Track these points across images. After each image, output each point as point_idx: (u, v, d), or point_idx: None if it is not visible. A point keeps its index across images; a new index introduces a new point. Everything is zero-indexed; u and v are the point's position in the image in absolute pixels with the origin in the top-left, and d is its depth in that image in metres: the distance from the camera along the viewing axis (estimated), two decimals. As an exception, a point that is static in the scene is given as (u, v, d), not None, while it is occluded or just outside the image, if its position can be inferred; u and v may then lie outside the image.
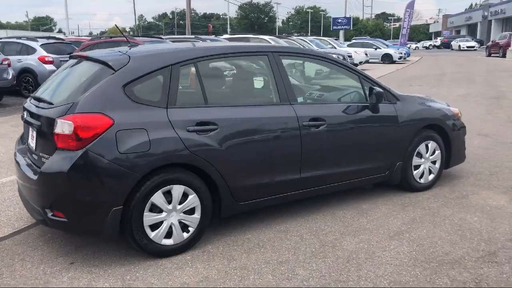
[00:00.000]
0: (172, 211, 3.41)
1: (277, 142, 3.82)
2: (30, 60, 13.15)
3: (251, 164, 3.70)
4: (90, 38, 17.21)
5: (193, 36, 17.20)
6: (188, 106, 3.50)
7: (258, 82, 4.17)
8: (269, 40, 16.77)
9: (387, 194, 4.81)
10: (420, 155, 4.81)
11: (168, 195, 3.38)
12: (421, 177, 4.88)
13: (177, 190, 3.40)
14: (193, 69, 3.66)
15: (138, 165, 3.19)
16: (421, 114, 4.74)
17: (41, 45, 13.38)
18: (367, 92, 4.36)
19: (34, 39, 14.12)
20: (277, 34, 40.71)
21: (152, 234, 3.35)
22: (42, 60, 13.04)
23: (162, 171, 3.34)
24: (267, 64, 3.92)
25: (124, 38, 5.39)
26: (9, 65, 11.85)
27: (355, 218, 4.19)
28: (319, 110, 4.08)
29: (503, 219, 4.12)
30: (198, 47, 3.81)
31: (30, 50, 13.40)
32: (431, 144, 4.85)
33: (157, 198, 3.32)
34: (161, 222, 3.39)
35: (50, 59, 13.07)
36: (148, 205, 3.29)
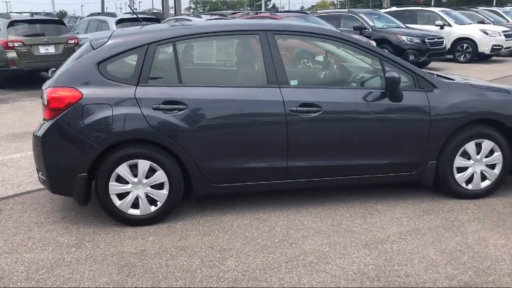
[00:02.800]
0: (138, 184, 3.59)
1: (256, 126, 3.65)
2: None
3: (224, 147, 3.62)
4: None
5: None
6: (159, 85, 3.59)
7: (246, 63, 3.97)
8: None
9: (420, 196, 4.13)
10: (467, 156, 3.98)
11: (134, 168, 3.57)
12: (469, 182, 4.04)
13: (143, 164, 3.56)
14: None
15: (100, 138, 3.45)
16: (469, 106, 3.88)
17: (116, 22, 12.95)
18: (388, 77, 3.77)
19: (113, 14, 14.22)
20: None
21: (118, 203, 3.60)
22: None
23: (129, 145, 3.53)
24: (258, 43, 3.72)
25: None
26: (76, 44, 11.44)
27: (350, 219, 3.75)
28: (315, 95, 3.71)
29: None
30: (180, 26, 3.83)
31: (105, 27, 13.24)
32: (486, 144, 3.96)
33: (122, 170, 3.54)
34: (128, 193, 3.61)
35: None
36: (114, 176, 3.54)
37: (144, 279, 2.94)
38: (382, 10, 16.66)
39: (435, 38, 12.75)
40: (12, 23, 11.05)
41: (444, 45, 13.10)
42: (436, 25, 14.73)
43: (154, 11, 27.16)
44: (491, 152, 3.99)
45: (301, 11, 15.25)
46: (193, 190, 3.72)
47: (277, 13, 11.97)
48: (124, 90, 3.51)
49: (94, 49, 3.61)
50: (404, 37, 12.44)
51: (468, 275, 2.92)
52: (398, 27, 13.58)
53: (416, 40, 12.43)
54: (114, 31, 4.00)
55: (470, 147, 3.94)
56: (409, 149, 3.88)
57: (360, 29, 13.10)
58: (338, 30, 4.09)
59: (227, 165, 3.66)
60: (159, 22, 11.42)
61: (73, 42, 11.45)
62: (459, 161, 3.97)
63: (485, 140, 3.95)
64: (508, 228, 3.53)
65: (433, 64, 13.70)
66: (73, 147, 3.48)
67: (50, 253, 3.28)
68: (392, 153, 3.87)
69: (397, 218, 3.75)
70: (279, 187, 3.85)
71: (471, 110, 3.88)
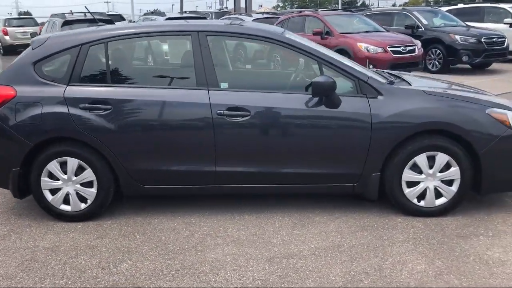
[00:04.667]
0: (68, 181, 3.68)
1: (183, 129, 3.59)
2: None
3: (150, 148, 3.60)
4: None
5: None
6: (88, 85, 3.65)
7: (177, 64, 3.89)
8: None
9: (369, 210, 3.84)
10: (418, 169, 3.62)
11: (64, 166, 3.67)
12: (422, 198, 3.68)
13: (72, 162, 3.65)
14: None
15: (30, 135, 3.58)
16: (417, 115, 3.52)
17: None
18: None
19: (162, 14, 14.69)
20: None
21: (50, 198, 3.72)
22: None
23: (59, 143, 3.63)
24: (190, 45, 3.66)
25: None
26: None
27: (277, 229, 3.58)
28: (245, 98, 3.57)
29: None
30: (113, 27, 3.86)
31: None
32: (440, 157, 3.57)
33: (52, 167, 3.65)
34: (59, 189, 3.72)
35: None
36: (45, 172, 3.66)
37: (33, 275, 3.01)
38: (445, 8, 15.61)
39: (495, 37, 11.70)
40: (66, 23, 11.85)
41: (506, 44, 11.97)
42: (505, 23, 13.54)
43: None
44: (448, 166, 3.60)
45: (347, 9, 14.68)
46: (122, 190, 3.74)
47: (319, 11, 11.69)
48: (54, 89, 3.61)
49: (33, 49, 3.74)
50: (457, 37, 11.56)
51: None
52: (456, 26, 12.65)
53: (471, 40, 11.49)
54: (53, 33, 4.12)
55: (420, 160, 3.58)
56: (348, 159, 3.60)
57: (412, 28, 12.39)
58: (286, 31, 3.86)
59: (154, 167, 3.63)
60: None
61: None
62: (408, 175, 3.62)
63: (439, 153, 3.56)
64: (441, 253, 3.16)
65: (495, 66, 12.64)
66: (7, 142, 3.64)
67: (-26, 242, 3.47)
68: (329, 162, 3.62)
69: (327, 232, 3.50)
70: (210, 191, 3.76)
71: (420, 119, 3.52)
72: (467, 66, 12.12)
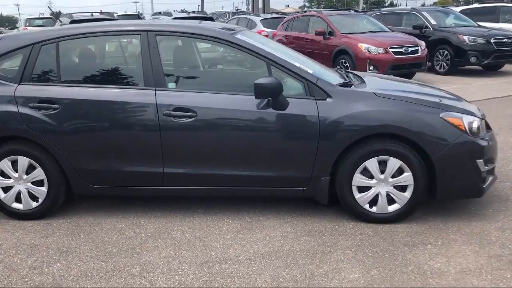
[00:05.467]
0: (19, 179, 3.71)
1: (130, 130, 3.56)
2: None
3: (98, 148, 3.59)
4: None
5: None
6: (39, 84, 3.66)
7: (126, 63, 3.86)
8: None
9: (323, 215, 3.74)
10: (369, 174, 3.51)
11: (16, 164, 3.69)
12: (373, 204, 3.57)
13: (22, 161, 3.66)
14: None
15: None
16: (366, 118, 3.41)
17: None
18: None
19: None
20: None
21: (3, 196, 3.75)
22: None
23: (10, 141, 3.66)
24: (139, 44, 3.63)
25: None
26: None
27: (227, 231, 3.52)
28: (192, 99, 3.52)
29: None
30: (66, 27, 3.85)
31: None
32: (392, 162, 3.45)
33: (4, 165, 3.68)
34: (11, 187, 3.74)
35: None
36: (-4, 170, 3.70)
37: (-35, 273, 3.03)
38: (458, 8, 15.21)
39: (505, 38, 11.34)
40: (73, 22, 12.06)
41: (517, 46, 11.59)
42: (521, 24, 13.13)
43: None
44: (400, 171, 3.47)
45: (351, 9, 14.45)
46: (72, 189, 3.74)
47: (323, 12, 11.53)
48: (6, 88, 3.63)
49: (-10, 48, 3.78)
50: (465, 37, 11.23)
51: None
52: (467, 26, 12.32)
53: (480, 41, 11.16)
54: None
55: (371, 164, 3.47)
56: (297, 162, 3.52)
57: (420, 28, 12.12)
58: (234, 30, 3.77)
59: (103, 168, 3.62)
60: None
61: None
62: (358, 179, 3.51)
63: (390, 157, 3.44)
64: (381, 262, 3.05)
65: (507, 67, 12.27)
66: None
67: None
68: (277, 165, 3.54)
69: (272, 236, 3.43)
70: (159, 193, 3.73)
71: (368, 122, 3.41)
72: (478, 67, 11.78)
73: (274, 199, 3.96)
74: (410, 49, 10.06)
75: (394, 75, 10.63)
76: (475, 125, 3.47)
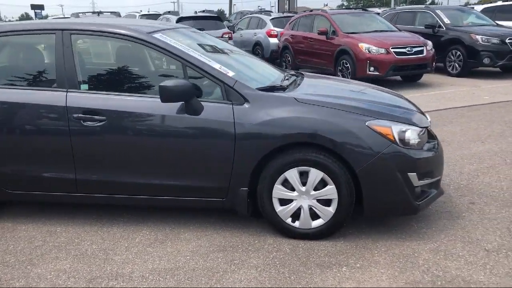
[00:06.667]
0: None
1: (40, 133, 3.40)
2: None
3: (7, 152, 3.45)
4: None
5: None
6: None
7: (41, 63, 3.67)
8: None
9: (247, 230, 3.48)
10: (290, 186, 3.22)
11: None
12: (296, 218, 3.27)
13: None
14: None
15: None
16: (284, 125, 3.12)
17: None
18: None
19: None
20: None
21: None
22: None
23: None
24: (54, 43, 3.46)
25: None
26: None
27: (137, 246, 3.30)
28: (101, 102, 3.32)
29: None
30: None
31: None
32: (313, 173, 3.15)
33: None
34: None
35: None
36: None
37: None
38: (479, 7, 14.45)
39: (522, 38, 10.65)
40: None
41: (537, 46, 10.86)
42: (546, 22, 12.34)
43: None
44: (324, 184, 3.16)
45: (360, 8, 13.95)
46: (-12, 194, 3.61)
47: (328, 11, 11.14)
48: None
49: None
50: (478, 37, 10.61)
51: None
52: (483, 25, 11.66)
53: (494, 41, 10.52)
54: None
55: (291, 175, 3.17)
56: (214, 171, 3.26)
57: (432, 27, 11.57)
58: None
59: (16, 172, 3.48)
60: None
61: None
62: (279, 191, 3.23)
63: (311, 168, 3.14)
64: (282, 284, 2.76)
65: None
66: None
67: None
68: (193, 174, 3.30)
69: (182, 251, 3.18)
70: (73, 200, 3.55)
71: (287, 130, 3.11)
72: (496, 69, 11.12)
73: (204, 210, 3.70)
74: (414, 49, 9.57)
75: (400, 77, 10.15)
76: (408, 135, 3.12)
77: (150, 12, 24.40)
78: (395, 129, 3.09)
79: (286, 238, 3.30)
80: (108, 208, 3.81)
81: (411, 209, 3.18)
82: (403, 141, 3.10)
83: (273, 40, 13.55)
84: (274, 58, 13.01)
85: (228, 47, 4.36)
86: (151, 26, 3.67)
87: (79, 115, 3.29)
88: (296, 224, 3.27)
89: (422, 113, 3.66)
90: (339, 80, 4.23)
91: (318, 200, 3.20)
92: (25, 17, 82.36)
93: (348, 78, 9.74)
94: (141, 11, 30.76)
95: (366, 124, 3.09)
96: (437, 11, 11.99)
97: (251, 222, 3.53)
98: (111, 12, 16.73)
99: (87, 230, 3.53)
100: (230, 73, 3.31)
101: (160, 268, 2.97)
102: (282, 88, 3.48)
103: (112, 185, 3.40)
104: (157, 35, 3.41)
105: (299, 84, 3.66)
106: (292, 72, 4.36)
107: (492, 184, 4.23)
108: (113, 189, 3.43)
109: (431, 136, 3.41)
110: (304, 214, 3.23)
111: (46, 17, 35.85)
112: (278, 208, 3.25)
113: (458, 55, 11.01)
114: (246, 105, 3.18)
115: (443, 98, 8.47)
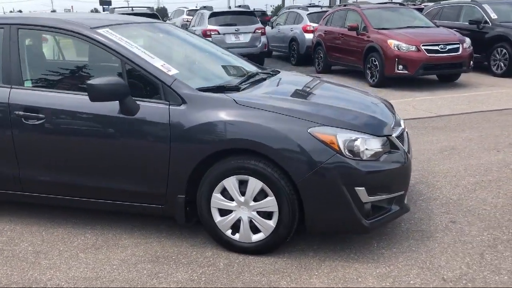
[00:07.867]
0: None
1: (-17, 129, 3.33)
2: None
3: None
4: None
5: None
6: None
7: None
8: None
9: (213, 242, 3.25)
10: (229, 196, 2.96)
11: None
12: (236, 230, 3.01)
13: None
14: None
15: None
16: (220, 130, 2.85)
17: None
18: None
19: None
20: None
21: None
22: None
23: None
24: (2, 38, 3.38)
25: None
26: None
27: (74, 248, 3.17)
28: (41, 99, 3.19)
29: None
30: None
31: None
32: (252, 182, 2.86)
33: None
34: None
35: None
36: None
37: None
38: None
39: None
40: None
41: None
42: None
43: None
44: (265, 195, 2.87)
45: (396, 2, 13.12)
46: None
47: (361, 5, 10.58)
48: None
49: None
50: (527, 34, 9.73)
51: None
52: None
53: (544, 38, 9.60)
54: None
55: (229, 184, 2.91)
56: (150, 176, 3.06)
57: (477, 23, 10.75)
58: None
59: None
60: None
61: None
62: (217, 201, 2.97)
63: (250, 177, 2.86)
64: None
65: None
66: None
67: None
68: (130, 178, 3.11)
69: (112, 259, 3.01)
70: (19, 199, 3.46)
71: (221, 135, 2.85)
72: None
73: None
74: (448, 47, 8.87)
75: (437, 76, 9.44)
76: (357, 144, 2.76)
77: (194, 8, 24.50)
78: (340, 138, 2.74)
79: (226, 251, 3.04)
80: (66, 207, 3.69)
81: (359, 228, 2.82)
82: (352, 151, 2.75)
83: (309, 36, 13.11)
84: (309, 54, 12.62)
85: (200, 44, 4.12)
86: (101, 20, 3.50)
87: (20, 112, 3.19)
88: (236, 237, 3.00)
89: (397, 120, 3.27)
90: (320, 81, 3.88)
91: (258, 212, 2.91)
92: (94, 12, 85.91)
93: (376, 76, 9.23)
94: (196, 6, 30.96)
95: (308, 131, 2.76)
96: (484, 5, 11.10)
97: (199, 232, 3.29)
98: (147, 7, 16.90)
99: (32, 230, 3.44)
100: (172, 71, 3.08)
101: (80, 276, 2.81)
102: (236, 88, 3.21)
103: (56, 186, 3.29)
104: (101, 31, 3.24)
105: (261, 84, 3.38)
106: (269, 70, 4.06)
107: (487, 200, 3.74)
108: (57, 190, 3.31)
109: (394, 146, 3.01)
110: (244, 226, 2.95)
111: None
112: (218, 218, 3.00)
113: (504, 53, 10.15)
114: (183, 106, 2.95)
115: (474, 100, 7.78)
